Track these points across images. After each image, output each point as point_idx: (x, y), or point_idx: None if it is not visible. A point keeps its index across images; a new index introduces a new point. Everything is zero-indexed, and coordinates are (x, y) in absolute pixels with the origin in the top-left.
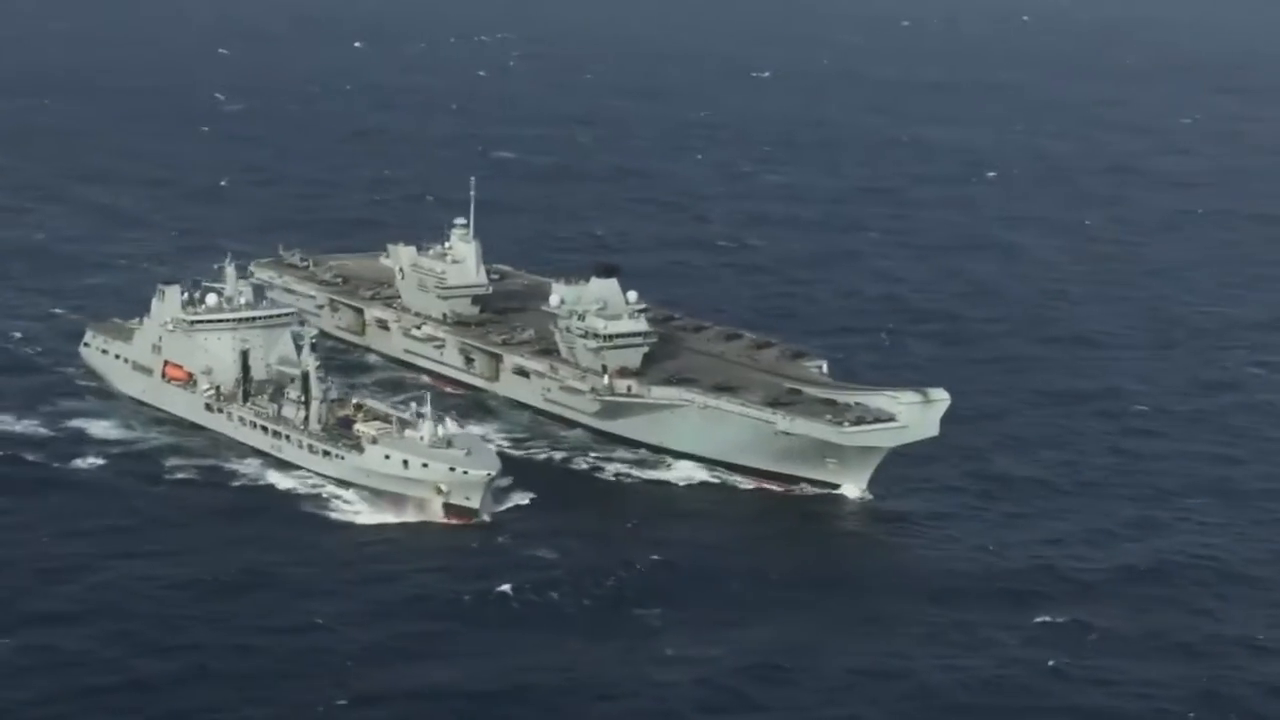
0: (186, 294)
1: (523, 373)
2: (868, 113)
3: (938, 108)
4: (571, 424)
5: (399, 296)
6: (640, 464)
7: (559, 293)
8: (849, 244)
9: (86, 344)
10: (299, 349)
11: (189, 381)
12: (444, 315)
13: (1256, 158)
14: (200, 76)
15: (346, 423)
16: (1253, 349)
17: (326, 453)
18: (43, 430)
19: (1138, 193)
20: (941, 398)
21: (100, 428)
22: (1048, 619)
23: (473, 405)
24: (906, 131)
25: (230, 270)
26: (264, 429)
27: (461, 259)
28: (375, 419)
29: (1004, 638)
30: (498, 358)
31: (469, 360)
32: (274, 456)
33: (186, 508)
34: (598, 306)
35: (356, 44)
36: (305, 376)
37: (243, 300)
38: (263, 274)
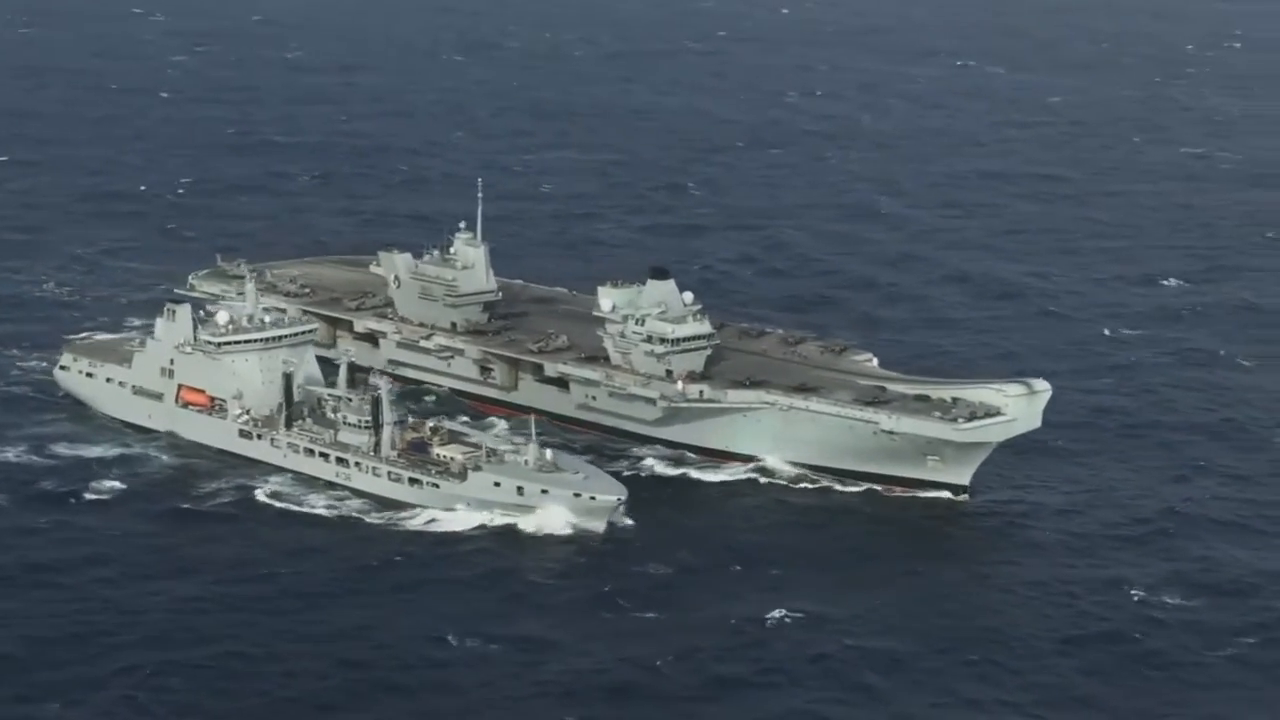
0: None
1: (560, 381)
2: (625, 86)
3: (681, 77)
4: (608, 431)
5: (388, 306)
6: (680, 465)
7: (610, 297)
8: (721, 216)
9: (64, 367)
10: (346, 370)
11: (212, 407)
12: (453, 324)
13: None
14: None
15: (419, 446)
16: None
17: (414, 480)
18: (35, 458)
19: (946, 155)
20: (1044, 388)
21: (94, 452)
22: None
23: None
24: (674, 102)
25: (250, 287)
26: (323, 456)
27: (471, 264)
28: (453, 442)
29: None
30: (516, 366)
31: (485, 370)
32: (334, 484)
33: (255, 529)
34: (658, 310)
35: (22, 30)
36: (376, 400)
37: (268, 319)
38: (207, 287)
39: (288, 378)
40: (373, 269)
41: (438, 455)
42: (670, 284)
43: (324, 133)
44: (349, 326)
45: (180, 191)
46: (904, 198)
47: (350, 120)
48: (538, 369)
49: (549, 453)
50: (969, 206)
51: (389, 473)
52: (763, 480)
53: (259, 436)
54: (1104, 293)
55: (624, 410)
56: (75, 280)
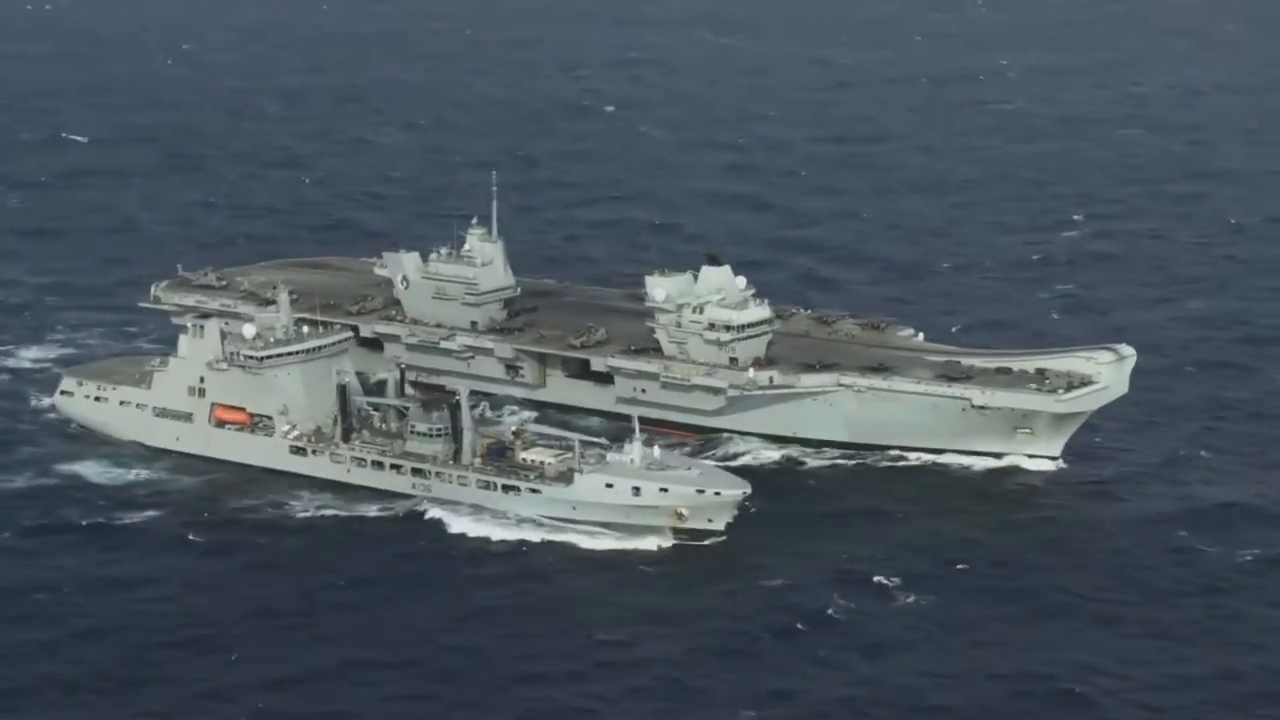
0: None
1: (595, 375)
2: (404, 67)
3: (444, 55)
4: (656, 424)
5: (392, 307)
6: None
7: (662, 287)
8: (592, 189)
9: (66, 392)
10: (398, 377)
11: (253, 425)
12: (473, 323)
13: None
14: None
15: (499, 451)
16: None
17: (509, 487)
18: (45, 481)
19: (769, 120)
20: (1129, 354)
21: (108, 476)
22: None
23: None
24: (462, 82)
25: (284, 297)
26: (395, 468)
27: (490, 260)
28: (535, 445)
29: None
30: (544, 362)
31: (511, 369)
32: (387, 493)
33: (319, 541)
34: (718, 298)
35: None
36: (455, 406)
37: (304, 329)
38: (176, 298)
39: (343, 389)
40: (377, 270)
41: (524, 459)
42: (726, 270)
43: (117, 127)
44: (354, 331)
45: (15, 202)
46: (754, 160)
47: (139, 111)
48: (567, 364)
49: (657, 449)
50: (821, 165)
51: (477, 480)
52: (810, 462)
53: (315, 452)
54: (1000, 246)
55: (679, 401)
56: None
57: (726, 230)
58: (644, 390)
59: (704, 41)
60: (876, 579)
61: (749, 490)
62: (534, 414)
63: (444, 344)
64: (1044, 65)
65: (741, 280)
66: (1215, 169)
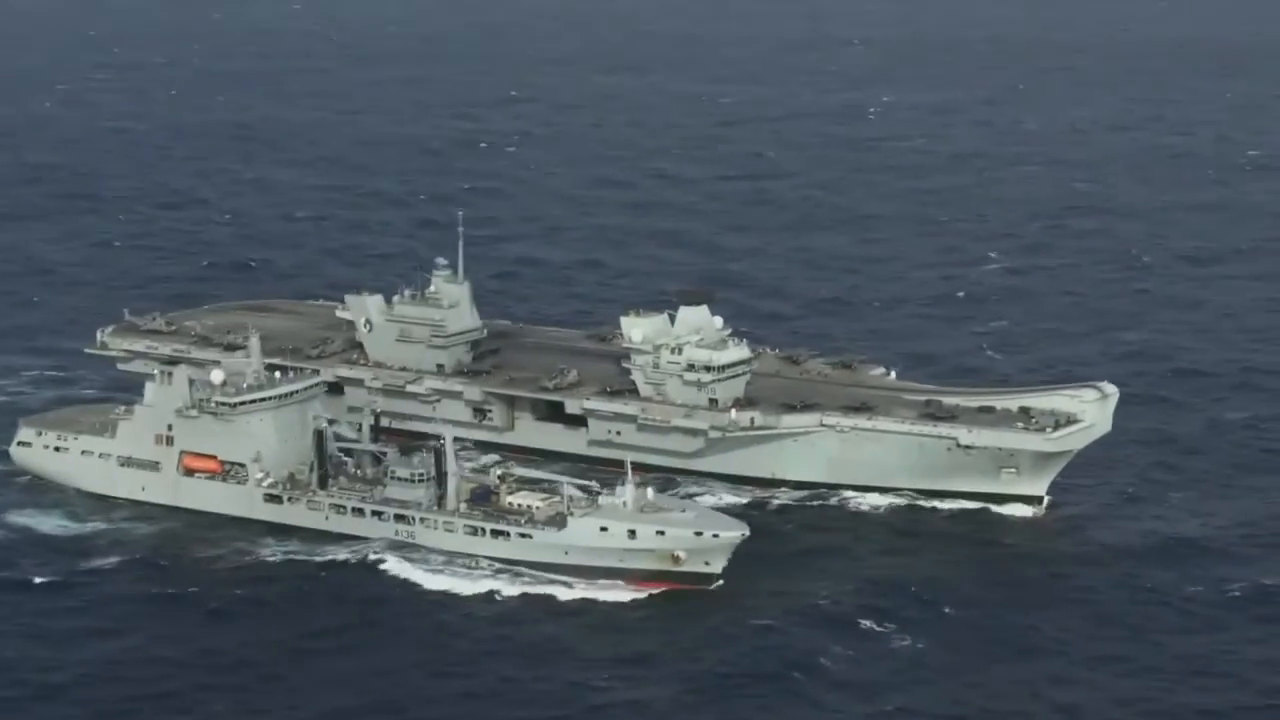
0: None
1: (564, 418)
2: (298, 103)
3: (324, 93)
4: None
5: (352, 350)
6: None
7: (638, 327)
8: (514, 223)
9: (24, 443)
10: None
11: (224, 473)
12: (439, 366)
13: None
14: None
15: (483, 495)
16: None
17: (499, 533)
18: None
19: (661, 155)
20: (1112, 391)
21: (62, 526)
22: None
23: None
24: (347, 123)
25: (254, 342)
26: (376, 514)
27: (457, 302)
28: (523, 489)
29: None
30: (513, 405)
31: (479, 412)
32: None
33: (300, 590)
34: (696, 338)
35: None
36: (438, 451)
37: (277, 374)
38: (124, 344)
39: (319, 434)
40: (339, 313)
41: (510, 504)
42: (704, 309)
43: (5, 169)
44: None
45: None
46: (657, 197)
47: (26, 152)
48: (536, 407)
49: (650, 491)
50: (725, 203)
51: (464, 526)
52: (775, 502)
53: (291, 499)
54: (919, 282)
55: (655, 444)
56: None
57: (652, 267)
58: (619, 433)
59: (586, 80)
60: (865, 623)
61: (747, 532)
62: (497, 458)
63: (410, 387)
64: (927, 103)
65: (719, 320)
66: (1114, 205)
